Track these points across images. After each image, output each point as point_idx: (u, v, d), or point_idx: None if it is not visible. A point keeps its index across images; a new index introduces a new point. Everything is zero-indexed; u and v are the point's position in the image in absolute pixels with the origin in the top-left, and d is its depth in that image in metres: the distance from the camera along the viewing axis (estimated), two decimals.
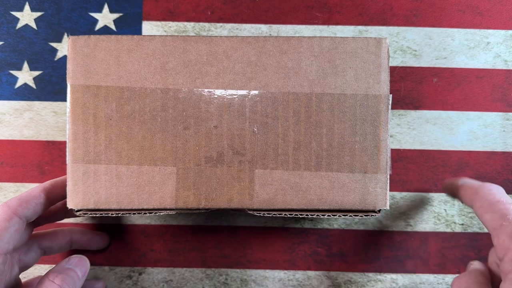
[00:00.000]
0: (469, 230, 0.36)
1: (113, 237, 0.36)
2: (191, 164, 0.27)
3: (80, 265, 0.28)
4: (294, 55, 0.27)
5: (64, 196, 0.29)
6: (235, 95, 0.27)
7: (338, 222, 0.36)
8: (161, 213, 0.27)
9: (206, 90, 0.27)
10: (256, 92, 0.27)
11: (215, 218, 0.36)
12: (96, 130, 0.26)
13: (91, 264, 0.36)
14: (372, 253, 0.36)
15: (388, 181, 0.27)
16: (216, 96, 0.27)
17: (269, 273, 0.36)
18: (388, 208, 0.27)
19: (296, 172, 0.27)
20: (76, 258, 0.28)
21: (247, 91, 0.27)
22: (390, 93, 0.27)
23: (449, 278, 0.36)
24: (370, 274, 0.36)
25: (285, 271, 0.36)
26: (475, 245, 0.36)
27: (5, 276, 0.26)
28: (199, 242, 0.36)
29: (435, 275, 0.36)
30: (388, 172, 0.27)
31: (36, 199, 0.28)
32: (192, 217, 0.36)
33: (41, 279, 0.26)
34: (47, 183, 0.29)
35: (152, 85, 0.27)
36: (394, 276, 0.36)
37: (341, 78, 0.27)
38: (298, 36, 0.27)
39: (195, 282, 0.36)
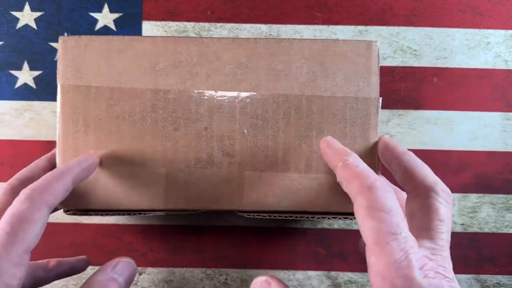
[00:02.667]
0: (469, 230, 0.36)
1: (113, 237, 0.36)
2: (180, 166, 0.27)
3: (126, 274, 0.25)
4: (284, 57, 0.27)
5: (85, 178, 0.25)
6: (225, 96, 0.27)
7: (338, 222, 0.36)
8: (150, 214, 0.27)
9: (196, 91, 0.27)
10: (246, 94, 0.27)
11: (215, 218, 0.36)
12: (86, 131, 0.26)
13: (91, 264, 0.36)
14: None
15: None
16: (206, 97, 0.26)
17: (269, 273, 0.36)
18: None
19: (285, 174, 0.27)
20: (124, 264, 0.25)
21: (237, 92, 0.27)
22: (380, 96, 0.27)
23: None
24: None
25: (285, 271, 0.36)
26: (475, 245, 0.36)
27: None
28: (199, 242, 0.36)
29: None
30: (378, 174, 0.27)
31: (64, 184, 0.23)
32: (192, 217, 0.36)
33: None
34: (73, 164, 0.24)
35: (142, 86, 0.27)
36: None
37: (331, 81, 0.27)
38: (289, 39, 0.27)
39: (195, 282, 0.36)
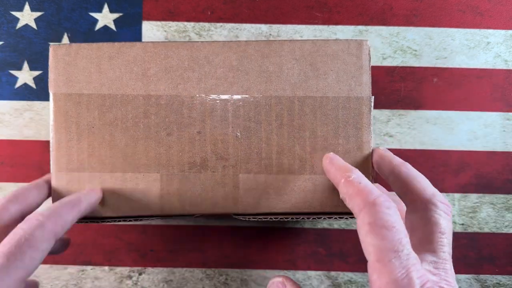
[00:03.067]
0: (469, 230, 0.36)
1: (113, 237, 0.36)
2: (174, 170, 0.27)
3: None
4: (275, 59, 0.27)
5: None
6: (217, 100, 0.27)
7: (338, 222, 0.36)
8: (147, 221, 0.27)
9: (188, 95, 0.27)
10: (238, 96, 0.27)
11: (215, 218, 0.36)
12: (79, 138, 0.26)
13: (90, 264, 0.36)
14: None
15: (372, 182, 0.27)
16: (198, 101, 0.26)
17: (269, 273, 0.36)
18: None
19: (280, 176, 0.27)
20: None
21: (230, 95, 0.27)
22: (373, 95, 0.27)
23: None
24: None
25: (285, 271, 0.36)
26: (475, 245, 0.36)
27: None
28: (199, 242, 0.36)
29: None
30: (372, 173, 0.27)
31: (67, 223, 0.23)
32: (193, 218, 0.36)
33: None
34: (81, 205, 0.24)
35: (134, 92, 0.27)
36: None
37: (323, 81, 0.27)
38: (279, 40, 0.27)
39: (195, 282, 0.36)
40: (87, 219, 0.27)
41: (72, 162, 0.27)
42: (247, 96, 0.27)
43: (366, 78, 0.27)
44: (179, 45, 0.27)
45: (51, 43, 0.27)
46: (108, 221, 0.27)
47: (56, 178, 0.27)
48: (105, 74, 0.27)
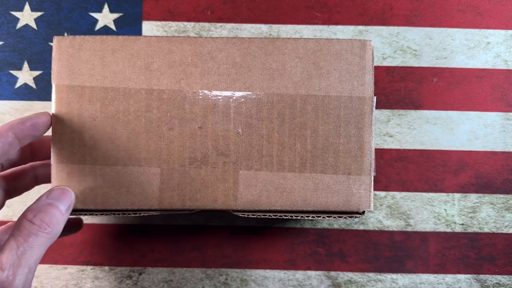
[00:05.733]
0: (469, 230, 0.36)
1: (113, 237, 0.36)
2: (175, 165, 0.27)
3: (62, 198, 0.25)
4: (279, 57, 0.27)
5: (33, 136, 0.26)
6: (219, 96, 0.27)
7: (338, 222, 0.36)
8: (145, 214, 0.27)
9: (190, 91, 0.27)
10: (240, 93, 0.27)
11: (215, 218, 0.36)
12: (81, 131, 0.26)
13: (90, 264, 0.36)
14: (372, 253, 0.36)
15: (372, 182, 0.27)
16: (200, 97, 0.26)
17: (269, 273, 0.36)
18: (372, 209, 0.27)
19: (280, 173, 0.27)
20: (58, 190, 0.25)
21: (232, 92, 0.27)
22: (375, 95, 0.27)
23: (449, 278, 0.36)
24: (370, 274, 0.36)
25: (285, 271, 0.36)
26: (475, 245, 0.36)
27: None
28: (199, 242, 0.36)
29: (435, 275, 0.36)
30: (372, 173, 0.27)
31: (4, 138, 0.25)
32: (192, 217, 0.36)
33: (18, 219, 0.24)
34: (15, 121, 0.26)
35: (137, 86, 0.27)
36: (394, 276, 0.36)
37: (325, 80, 0.27)
38: (283, 38, 0.27)
39: (195, 282, 0.36)
40: (86, 211, 0.27)
41: (73, 154, 0.26)
42: (250, 93, 0.27)
43: (369, 78, 0.27)
44: (182, 40, 0.27)
45: (54, 38, 0.27)
46: (107, 214, 0.27)
47: (57, 169, 0.27)
48: (108, 67, 0.27)
